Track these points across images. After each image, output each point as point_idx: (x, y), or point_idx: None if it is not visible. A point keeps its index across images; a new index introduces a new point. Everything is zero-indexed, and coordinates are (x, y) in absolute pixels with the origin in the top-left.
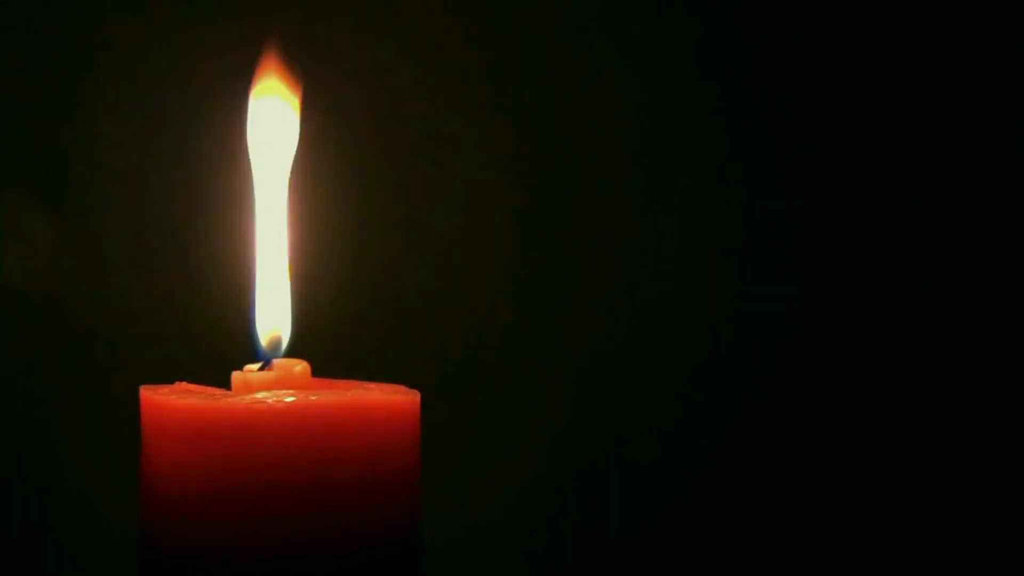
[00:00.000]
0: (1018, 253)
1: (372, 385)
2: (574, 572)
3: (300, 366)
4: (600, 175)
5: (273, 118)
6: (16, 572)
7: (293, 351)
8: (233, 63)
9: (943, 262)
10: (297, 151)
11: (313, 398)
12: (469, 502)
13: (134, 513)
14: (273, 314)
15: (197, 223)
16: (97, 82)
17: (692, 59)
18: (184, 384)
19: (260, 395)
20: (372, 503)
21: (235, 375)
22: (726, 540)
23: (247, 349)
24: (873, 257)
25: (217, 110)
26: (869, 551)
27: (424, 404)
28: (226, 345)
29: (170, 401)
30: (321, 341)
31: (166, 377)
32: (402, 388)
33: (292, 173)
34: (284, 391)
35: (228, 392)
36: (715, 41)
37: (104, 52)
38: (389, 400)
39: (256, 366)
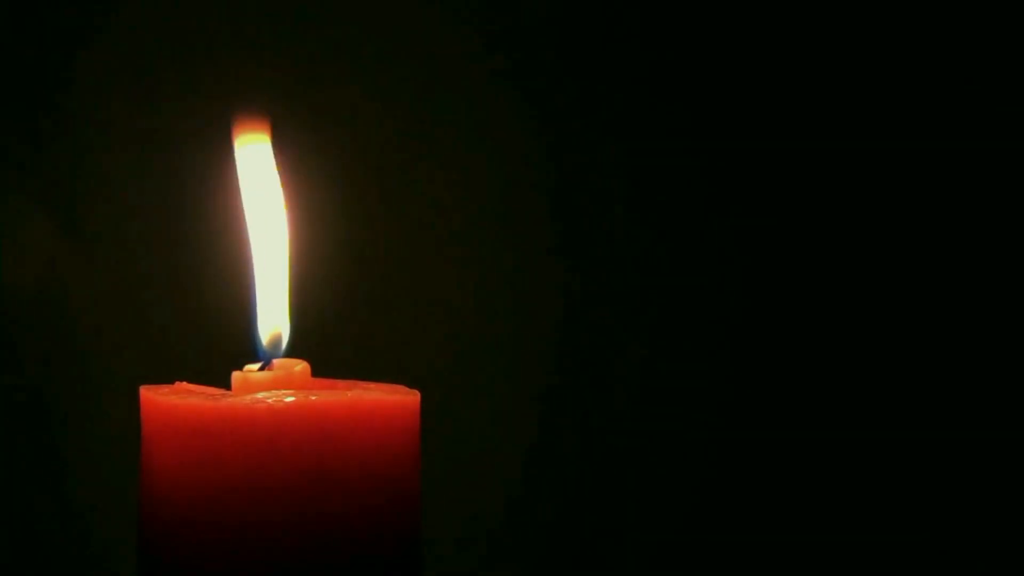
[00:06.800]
0: (1017, 252)
1: (372, 385)
2: (574, 571)
3: (300, 366)
4: (600, 175)
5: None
6: (16, 571)
7: (293, 351)
8: (231, 66)
9: (923, 262)
10: (292, 152)
11: (313, 398)
12: (469, 502)
13: (134, 513)
14: (273, 314)
15: (197, 223)
16: (97, 82)
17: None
18: (184, 384)
19: (260, 395)
20: (372, 503)
21: (235, 375)
22: (741, 542)
23: (247, 349)
24: (860, 257)
25: (217, 110)
26: (864, 553)
27: (424, 404)
28: (226, 345)
29: (170, 401)
30: (321, 341)
31: (166, 377)
32: (402, 388)
33: (283, 173)
34: (284, 391)
35: (228, 392)
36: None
37: (105, 50)
38: (389, 400)
39: (256, 366)
